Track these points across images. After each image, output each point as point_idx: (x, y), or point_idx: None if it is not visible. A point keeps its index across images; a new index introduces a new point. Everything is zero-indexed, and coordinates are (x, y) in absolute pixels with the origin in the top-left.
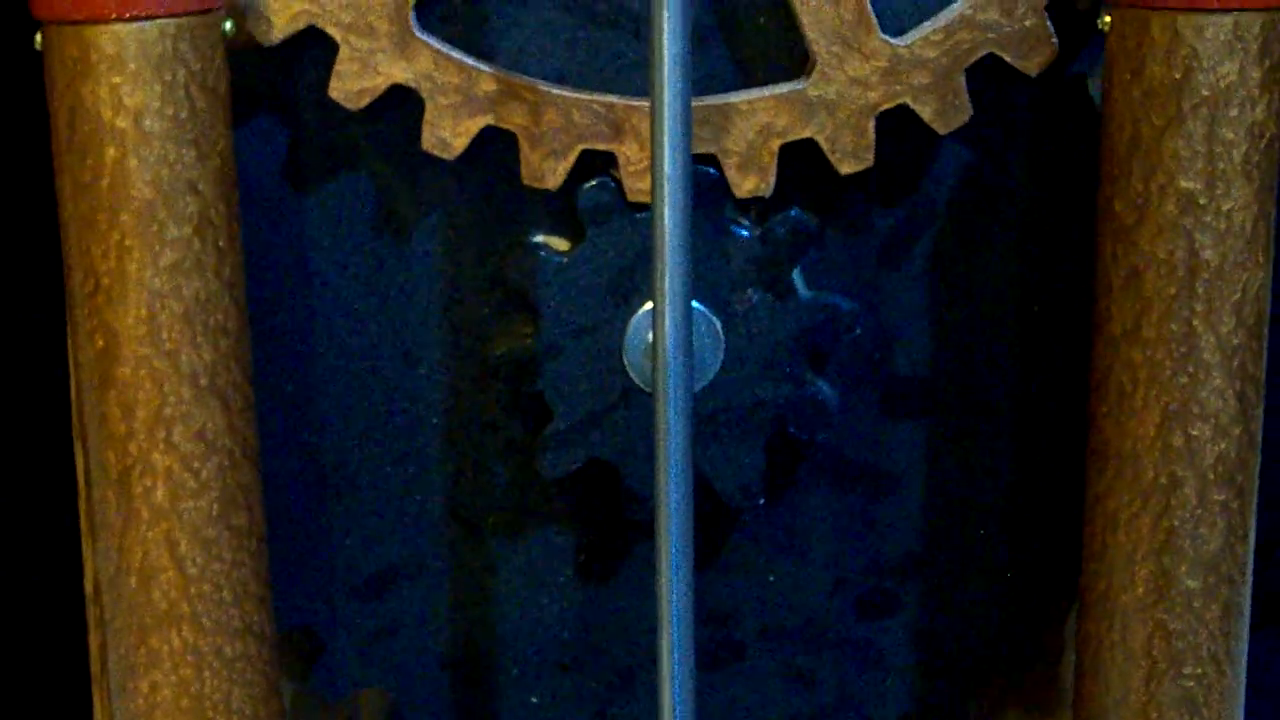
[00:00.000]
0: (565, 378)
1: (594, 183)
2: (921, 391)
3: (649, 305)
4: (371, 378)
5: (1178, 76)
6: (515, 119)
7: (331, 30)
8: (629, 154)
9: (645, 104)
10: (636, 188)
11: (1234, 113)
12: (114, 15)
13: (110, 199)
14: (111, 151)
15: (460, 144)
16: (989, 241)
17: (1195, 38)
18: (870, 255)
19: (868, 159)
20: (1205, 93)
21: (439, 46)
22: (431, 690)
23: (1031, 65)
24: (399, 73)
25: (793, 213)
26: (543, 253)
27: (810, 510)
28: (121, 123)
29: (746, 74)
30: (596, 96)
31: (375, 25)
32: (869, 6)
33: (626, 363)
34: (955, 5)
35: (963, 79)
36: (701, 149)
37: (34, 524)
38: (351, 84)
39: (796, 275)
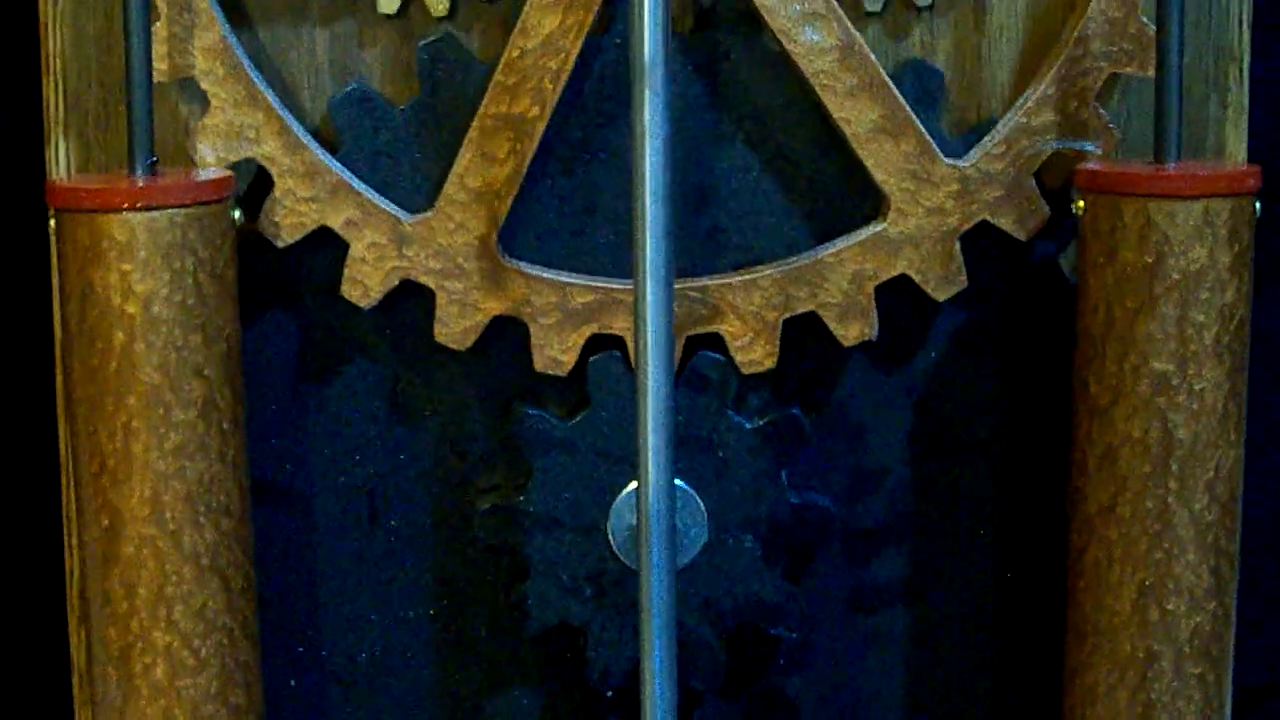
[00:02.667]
0: (551, 542)
1: (600, 356)
2: (898, 590)
3: (634, 484)
4: (371, 558)
5: (1150, 261)
6: (618, 323)
7: (425, 279)
8: (734, 330)
9: (740, 279)
10: (746, 361)
11: (1205, 295)
12: (126, 205)
13: (117, 382)
14: (120, 336)
15: (571, 359)
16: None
17: (1167, 223)
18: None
19: (961, 281)
20: (1177, 276)
21: (530, 270)
22: None
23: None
24: (498, 305)
25: (794, 412)
26: (545, 419)
27: (778, 700)
28: (130, 308)
29: (818, 228)
30: (690, 283)
31: (465, 266)
32: (928, 136)
33: (611, 539)
34: (1010, 116)
35: (1034, 184)
36: (801, 308)
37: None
38: (455, 326)
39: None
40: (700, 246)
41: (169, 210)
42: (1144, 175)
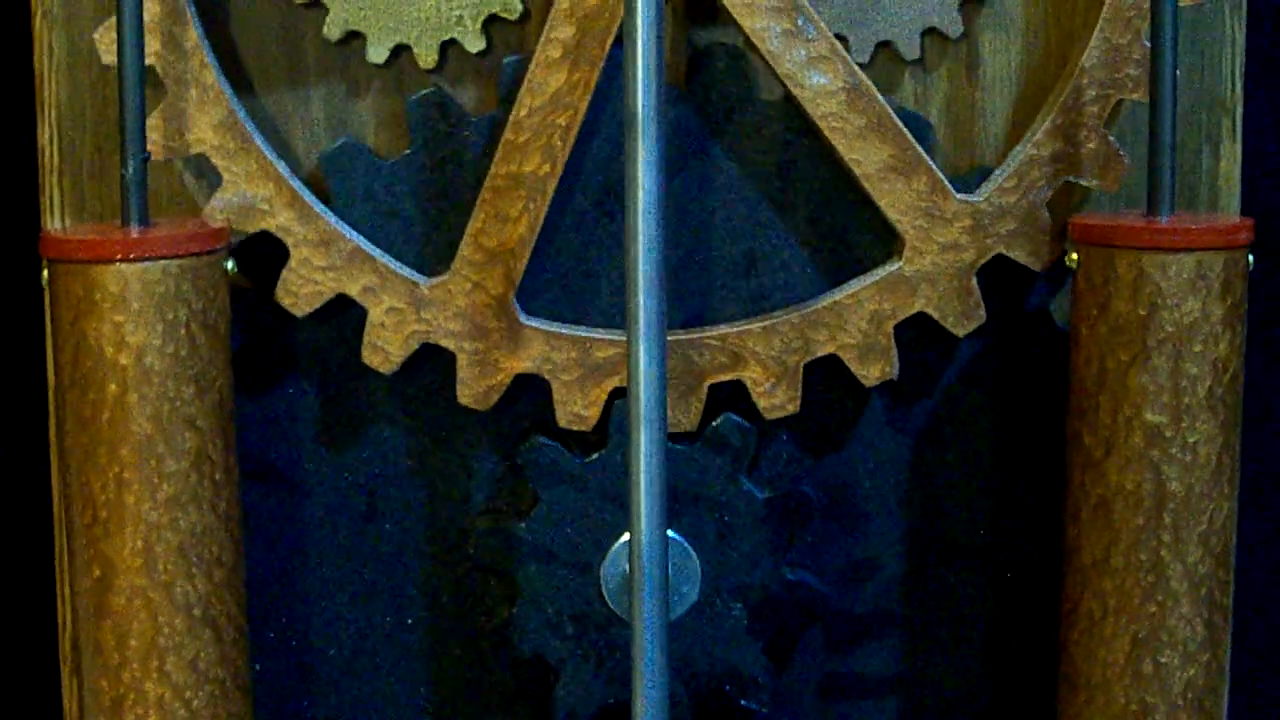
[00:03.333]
0: (543, 573)
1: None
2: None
3: (626, 535)
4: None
5: (1143, 313)
6: None
7: (445, 342)
8: (755, 376)
9: (759, 325)
10: (769, 406)
11: (1198, 348)
12: (119, 257)
13: (110, 433)
14: (113, 387)
15: (594, 414)
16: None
17: (1160, 276)
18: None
19: (980, 316)
20: (1170, 329)
21: (549, 327)
22: None
23: (1109, 183)
24: (519, 363)
25: (804, 488)
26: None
27: None
28: (124, 359)
29: (830, 271)
30: (710, 331)
31: (485, 326)
32: (939, 173)
33: (604, 584)
34: (1019, 149)
35: (1047, 215)
36: (821, 351)
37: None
38: (477, 386)
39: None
40: (717, 294)
41: (162, 261)
42: (1137, 228)
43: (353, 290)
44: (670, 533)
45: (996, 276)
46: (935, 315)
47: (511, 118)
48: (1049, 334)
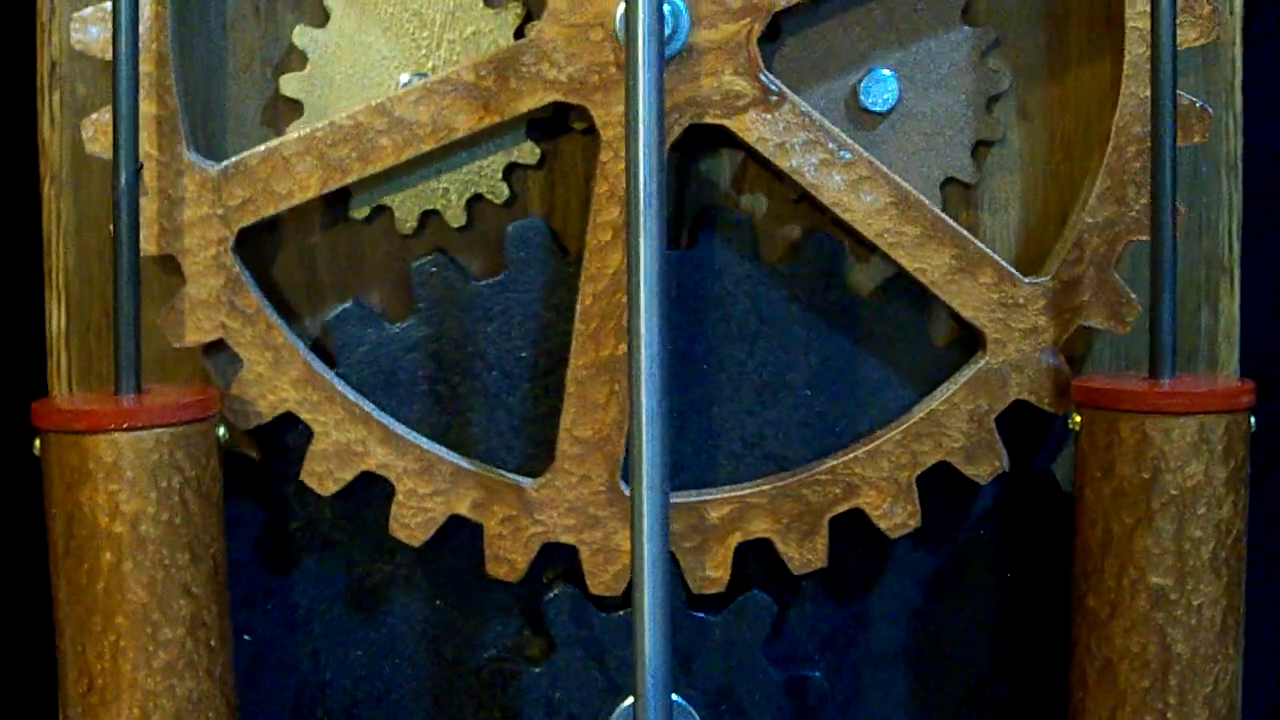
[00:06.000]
0: None
1: None
2: None
3: (629, 700)
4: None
5: (1147, 476)
6: (759, 525)
7: (566, 539)
8: (872, 500)
9: (864, 450)
10: (892, 526)
11: (1202, 511)
12: (112, 426)
13: (105, 602)
14: (107, 556)
15: (724, 574)
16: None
17: (1163, 439)
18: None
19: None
20: (1174, 492)
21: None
22: None
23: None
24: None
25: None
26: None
27: None
28: (118, 528)
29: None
30: (817, 468)
31: (599, 514)
32: (1003, 262)
33: None
34: (1075, 219)
35: (1117, 278)
36: (929, 461)
37: None
38: (606, 575)
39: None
40: (801, 433)
41: (155, 430)
42: (1140, 391)
43: (463, 509)
44: (676, 698)
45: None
46: (1032, 400)
47: (579, 309)
48: (1053, 493)
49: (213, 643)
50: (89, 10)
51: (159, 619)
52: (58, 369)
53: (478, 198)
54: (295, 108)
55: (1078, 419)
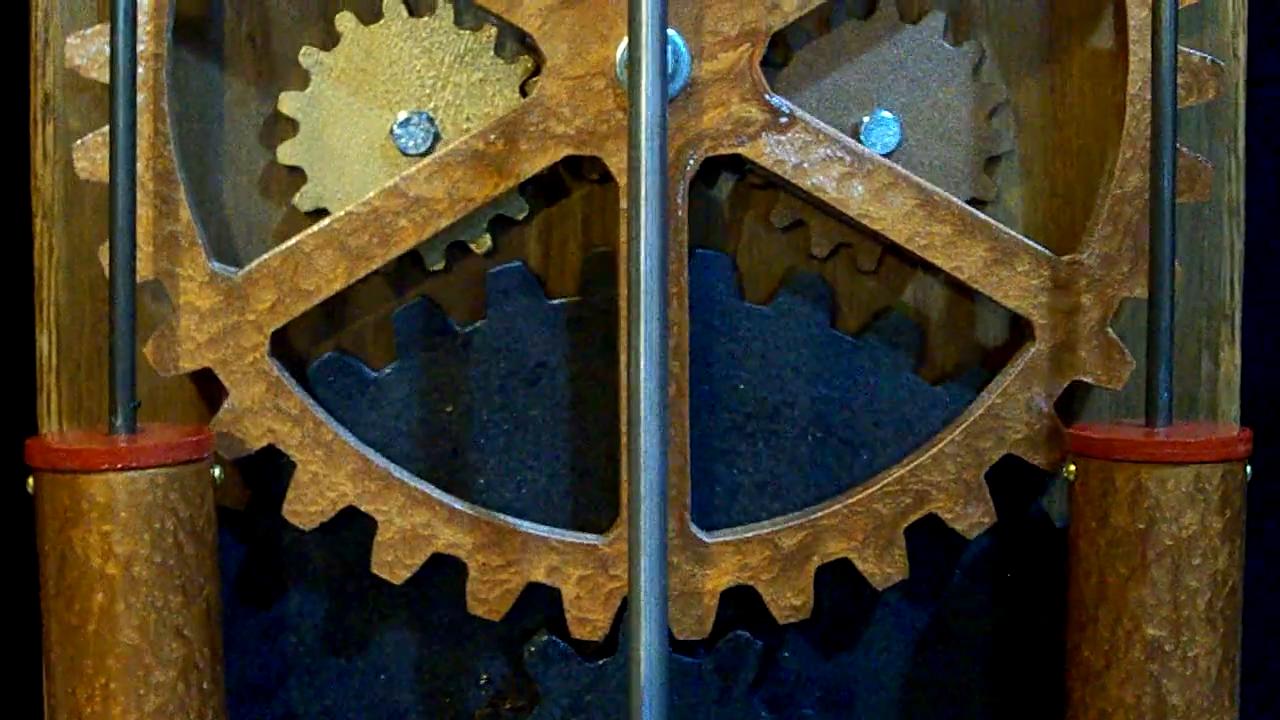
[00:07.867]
0: None
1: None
2: None
3: None
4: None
5: (1142, 526)
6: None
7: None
8: (944, 505)
9: (929, 455)
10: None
11: (1197, 561)
12: (106, 466)
13: (97, 644)
14: (99, 597)
15: (806, 599)
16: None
17: (1158, 489)
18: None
19: (1130, 362)
20: (1169, 542)
21: (732, 537)
22: None
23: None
24: (717, 580)
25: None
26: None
27: None
28: (111, 569)
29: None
30: (885, 479)
31: (672, 560)
32: (1038, 246)
33: None
34: (1105, 190)
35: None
36: (995, 456)
37: None
38: (687, 619)
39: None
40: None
41: (149, 471)
42: (1136, 441)
43: (538, 576)
44: None
45: (1000, 480)
46: (1090, 380)
47: (623, 359)
48: (1049, 534)
49: (205, 685)
50: (89, 30)
51: (151, 661)
52: (48, 403)
53: (460, 245)
54: (291, 126)
55: (1072, 468)
